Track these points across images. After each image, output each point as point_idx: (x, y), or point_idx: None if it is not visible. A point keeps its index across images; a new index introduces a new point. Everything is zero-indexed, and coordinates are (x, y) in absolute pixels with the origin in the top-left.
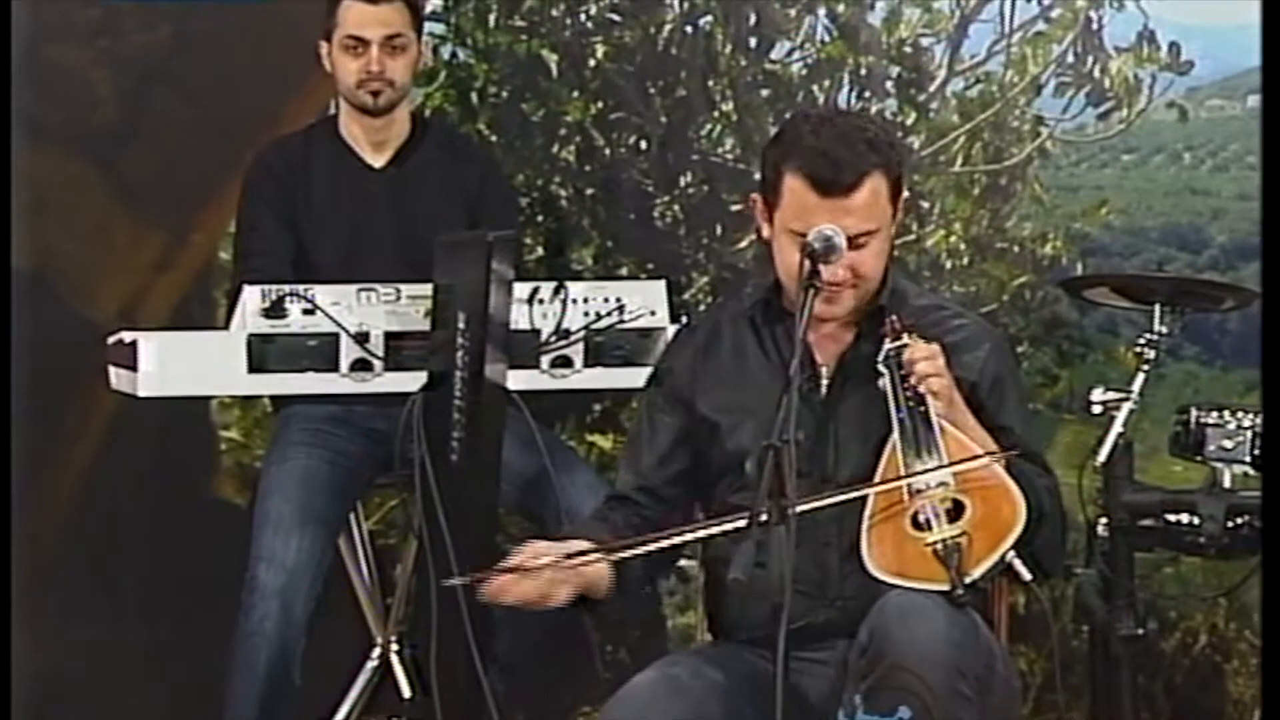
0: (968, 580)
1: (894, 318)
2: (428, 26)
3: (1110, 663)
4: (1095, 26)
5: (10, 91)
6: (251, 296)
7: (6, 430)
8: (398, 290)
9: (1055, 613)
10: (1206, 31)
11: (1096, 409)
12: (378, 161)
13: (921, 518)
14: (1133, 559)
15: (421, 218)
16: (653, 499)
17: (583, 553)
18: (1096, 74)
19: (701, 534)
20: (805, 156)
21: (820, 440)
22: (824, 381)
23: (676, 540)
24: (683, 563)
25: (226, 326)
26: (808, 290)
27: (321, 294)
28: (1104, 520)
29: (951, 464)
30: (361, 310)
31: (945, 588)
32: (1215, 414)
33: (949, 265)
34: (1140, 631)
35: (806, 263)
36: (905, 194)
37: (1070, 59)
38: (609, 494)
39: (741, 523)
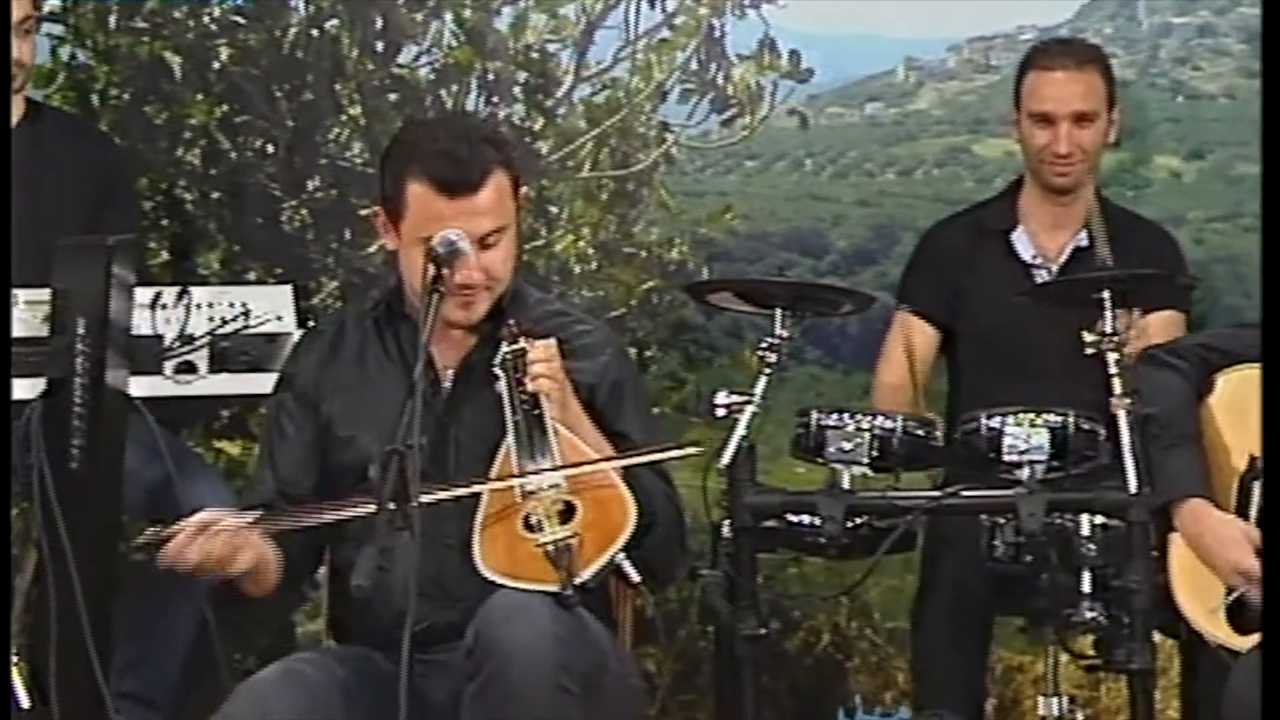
0: (577, 581)
1: (512, 322)
2: (45, 27)
3: (734, 663)
4: (718, 34)
5: (9, 91)
6: None
7: (6, 433)
8: (15, 296)
9: (683, 614)
10: (826, 40)
11: (720, 412)
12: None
13: (533, 519)
14: (755, 560)
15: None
16: (292, 505)
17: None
18: (720, 81)
19: (353, 513)
20: (428, 161)
21: (441, 444)
22: (445, 385)
23: (340, 516)
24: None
25: None
26: (432, 295)
27: None
28: (728, 522)
29: (564, 466)
30: None
31: (555, 589)
32: (835, 416)
33: (577, 270)
34: (763, 631)
35: (431, 267)
36: (525, 189)
37: (694, 66)
38: (244, 506)
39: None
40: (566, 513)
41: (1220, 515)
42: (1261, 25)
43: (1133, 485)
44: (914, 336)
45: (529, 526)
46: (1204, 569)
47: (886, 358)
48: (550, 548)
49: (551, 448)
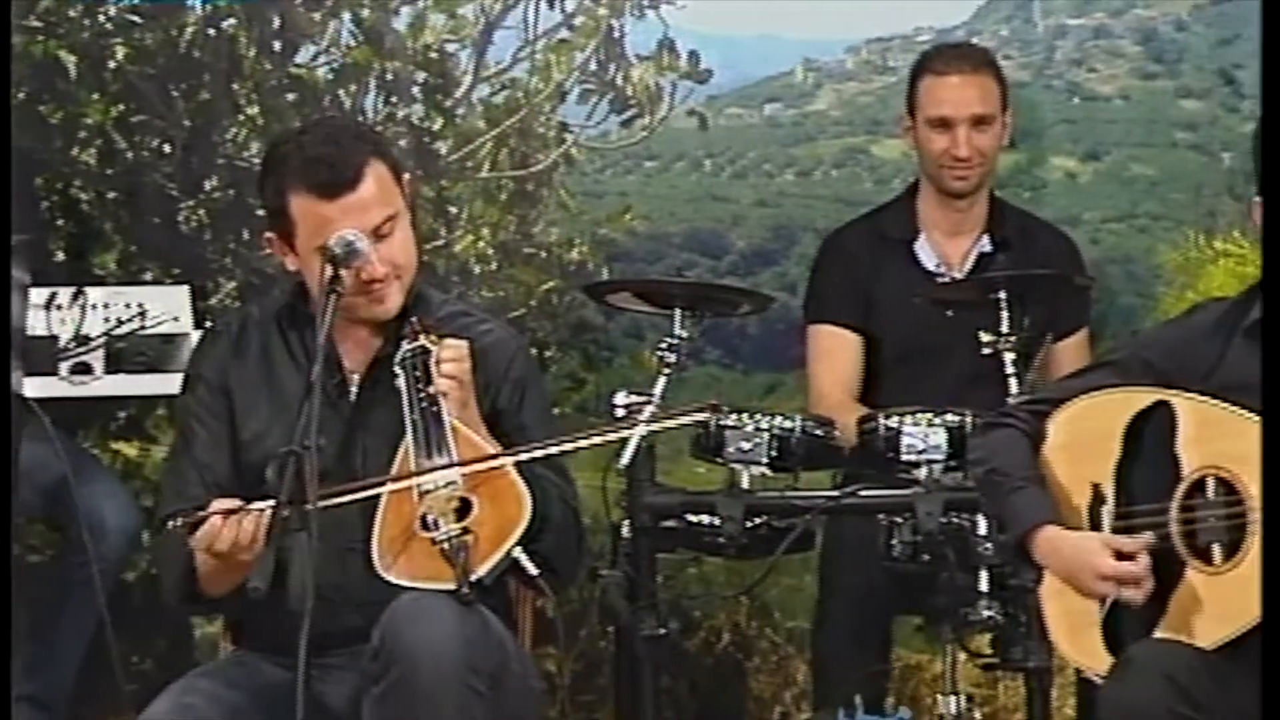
0: (474, 577)
1: (414, 320)
2: None
3: (634, 663)
4: (617, 35)
5: (10, 91)
6: None
7: (7, 436)
8: None
9: (583, 614)
10: (725, 41)
11: (620, 412)
12: None
13: (430, 517)
14: (655, 560)
15: None
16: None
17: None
18: (619, 81)
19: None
20: (302, 171)
21: (348, 445)
22: (353, 387)
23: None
24: None
25: None
26: (329, 296)
27: None
28: (627, 522)
29: (461, 463)
30: None
31: (452, 586)
32: (734, 416)
33: (477, 270)
34: (663, 631)
35: (328, 267)
36: (407, 175)
37: (593, 66)
38: (170, 510)
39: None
40: (462, 509)
41: (1077, 533)
42: (1262, 25)
43: None
44: (838, 348)
45: (426, 525)
46: (1072, 600)
47: (816, 377)
48: (446, 544)
49: (449, 445)
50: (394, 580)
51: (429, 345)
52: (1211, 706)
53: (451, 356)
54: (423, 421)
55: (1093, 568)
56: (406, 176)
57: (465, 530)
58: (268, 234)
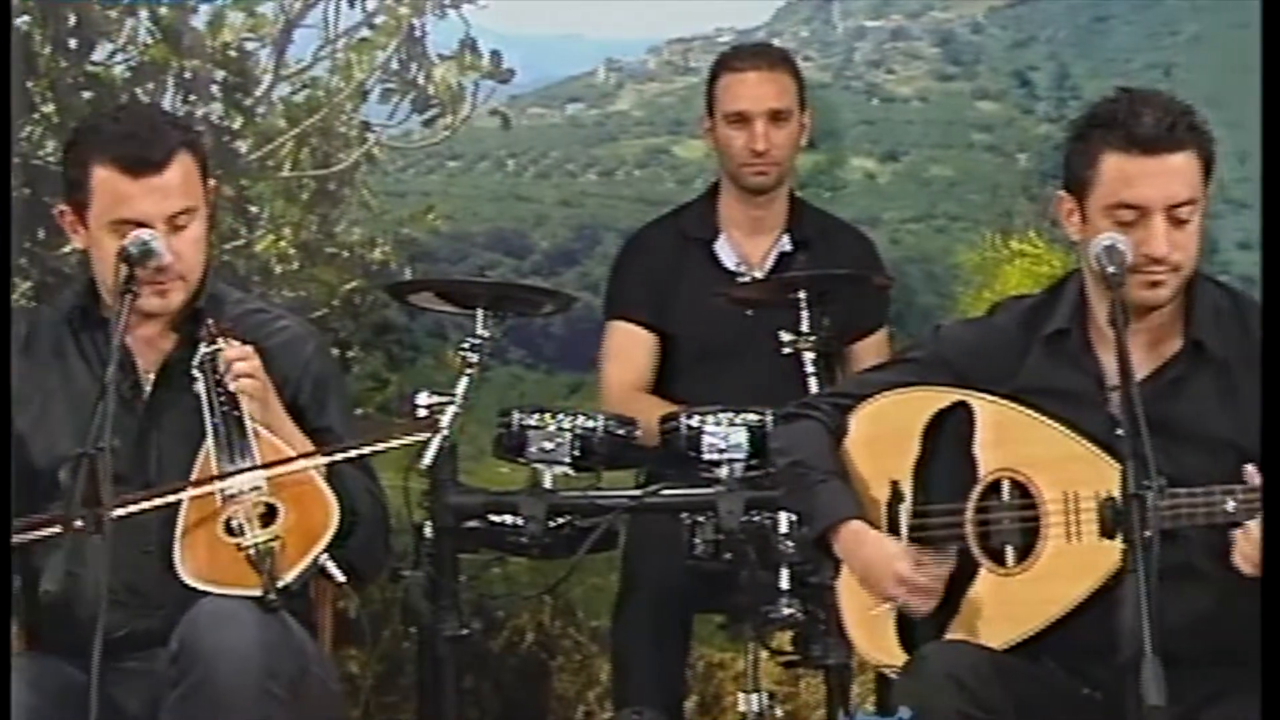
0: (280, 585)
1: (210, 322)
2: None
3: (436, 663)
4: (419, 34)
5: (10, 91)
6: None
7: (6, 433)
8: None
9: (386, 615)
10: (527, 41)
11: (422, 412)
12: None
13: (234, 523)
14: (458, 560)
15: None
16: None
17: None
18: (421, 81)
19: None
20: (112, 143)
21: (142, 446)
22: (146, 387)
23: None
24: None
25: None
26: (124, 296)
27: None
28: (430, 522)
29: (264, 465)
30: None
31: (258, 593)
32: (536, 416)
33: (279, 270)
34: (465, 631)
35: (123, 267)
36: (213, 182)
37: (395, 65)
38: None
39: (55, 530)
40: (268, 515)
41: (880, 533)
42: (1262, 26)
43: None
44: (631, 345)
45: (230, 530)
46: (868, 597)
47: (607, 373)
48: (252, 551)
49: (252, 449)
50: (198, 585)
51: (225, 347)
52: (1001, 707)
53: (237, 356)
54: (224, 425)
55: (892, 571)
56: (212, 183)
57: (272, 537)
58: (61, 206)
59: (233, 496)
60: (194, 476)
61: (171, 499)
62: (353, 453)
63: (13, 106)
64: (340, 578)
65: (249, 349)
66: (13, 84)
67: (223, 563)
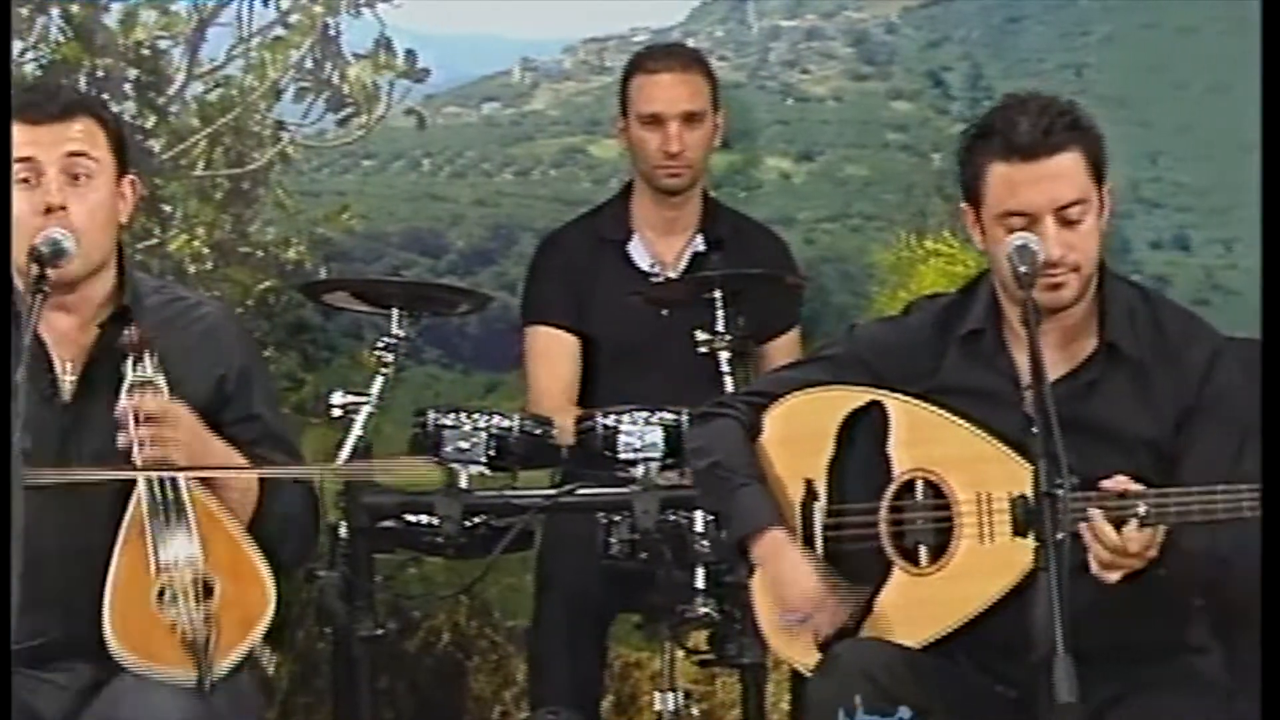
0: (215, 672)
1: (130, 331)
2: None
3: (351, 663)
4: (333, 33)
5: (10, 91)
6: None
7: (6, 433)
8: None
9: (301, 615)
10: (442, 40)
11: (337, 412)
12: None
13: (168, 594)
14: (373, 560)
15: None
16: None
17: None
18: (335, 80)
19: None
20: (16, 100)
21: (64, 444)
22: (67, 384)
23: None
24: None
25: None
26: (36, 295)
27: None
28: (345, 522)
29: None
30: None
31: (189, 677)
32: (452, 415)
33: (192, 270)
34: (380, 632)
35: (34, 267)
36: (132, 178)
37: (309, 64)
38: None
39: None
40: (205, 590)
41: (798, 549)
42: (1262, 26)
43: None
44: (555, 350)
45: (163, 599)
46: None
47: (535, 380)
48: (188, 633)
49: (189, 518)
50: (129, 662)
51: (154, 379)
52: (915, 705)
53: (150, 416)
54: (158, 488)
55: (801, 589)
56: (132, 178)
57: (208, 616)
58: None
59: (167, 567)
60: (122, 534)
61: (88, 476)
62: (295, 472)
63: None
64: (271, 669)
65: (172, 407)
66: None
67: (156, 638)
